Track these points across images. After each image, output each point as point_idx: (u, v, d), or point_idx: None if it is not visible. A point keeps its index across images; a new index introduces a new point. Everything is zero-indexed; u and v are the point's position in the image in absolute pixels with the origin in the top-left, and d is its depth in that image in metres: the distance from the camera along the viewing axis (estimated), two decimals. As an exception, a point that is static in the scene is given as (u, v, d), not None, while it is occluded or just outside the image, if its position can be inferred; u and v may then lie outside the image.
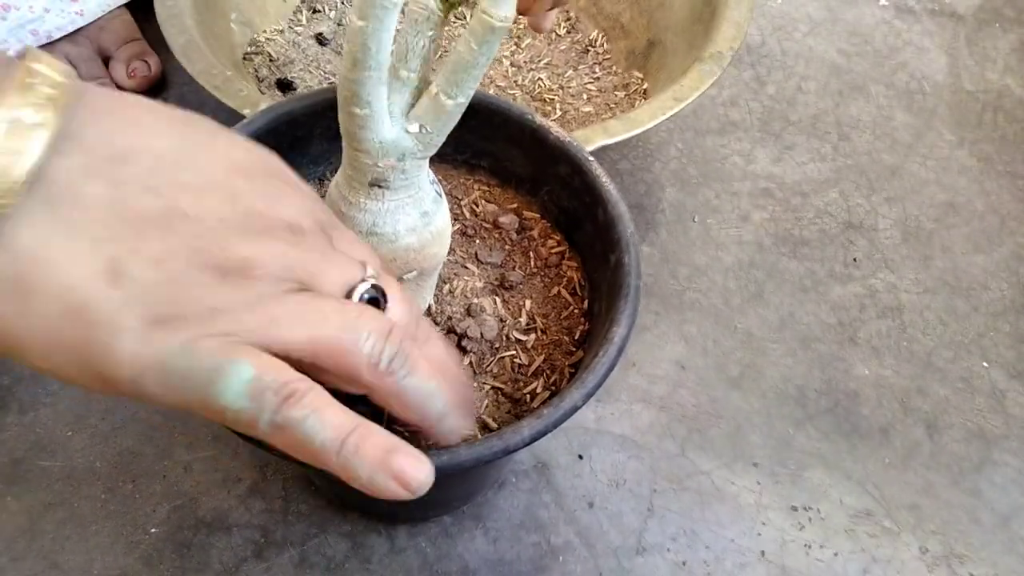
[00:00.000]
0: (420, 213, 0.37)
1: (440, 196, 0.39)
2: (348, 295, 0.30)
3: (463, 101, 0.33)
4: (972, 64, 0.89)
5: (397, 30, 0.32)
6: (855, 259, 0.71)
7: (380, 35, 0.30)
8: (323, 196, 0.50)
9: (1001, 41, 0.92)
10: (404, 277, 0.40)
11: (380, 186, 0.35)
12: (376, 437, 0.27)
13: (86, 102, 0.25)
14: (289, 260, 0.28)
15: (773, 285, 0.68)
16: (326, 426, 0.26)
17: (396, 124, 0.34)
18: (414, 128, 0.34)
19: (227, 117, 0.73)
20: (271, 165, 0.31)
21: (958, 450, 0.60)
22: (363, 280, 0.30)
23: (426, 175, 0.38)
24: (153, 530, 0.51)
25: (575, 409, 0.36)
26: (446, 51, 0.73)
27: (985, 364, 0.65)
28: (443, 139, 0.35)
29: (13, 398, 0.55)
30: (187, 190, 0.26)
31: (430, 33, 0.32)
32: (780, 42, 0.88)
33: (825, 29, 0.90)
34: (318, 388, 0.27)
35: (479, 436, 0.41)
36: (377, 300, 0.31)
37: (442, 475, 0.35)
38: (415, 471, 0.28)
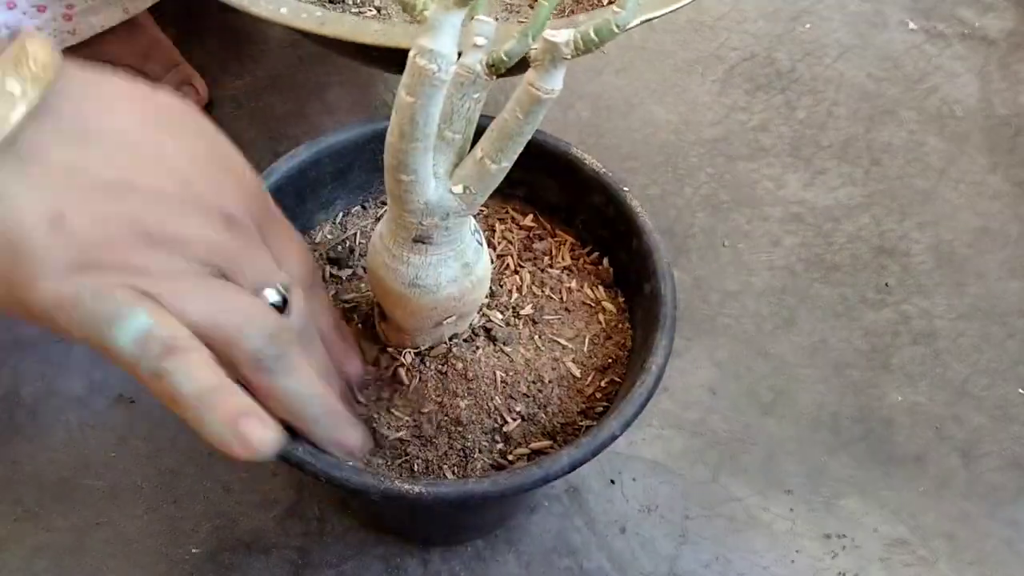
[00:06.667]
0: (462, 264, 0.38)
1: (481, 245, 0.40)
2: (258, 292, 0.33)
3: (506, 165, 0.34)
4: (1004, 88, 0.88)
5: None
6: (887, 284, 0.71)
7: (428, 110, 0.31)
8: (361, 228, 0.51)
9: (1034, 65, 0.91)
10: (444, 322, 0.40)
11: (424, 242, 0.36)
12: (234, 398, 0.30)
13: (68, 81, 0.29)
14: (215, 247, 0.31)
15: (805, 311, 0.68)
16: (192, 379, 0.29)
17: (440, 186, 0.35)
18: (458, 189, 0.35)
19: (265, 142, 0.75)
20: (227, 159, 0.34)
21: (994, 479, 0.60)
22: (272, 285, 0.34)
23: (468, 228, 0.38)
24: (194, 550, 0.52)
25: (613, 438, 0.37)
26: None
27: (1021, 391, 0.64)
28: (486, 198, 0.36)
29: (59, 419, 0.57)
30: (143, 169, 0.30)
31: (475, 96, 0.33)
32: (810, 67, 0.89)
33: (855, 54, 0.91)
34: (203, 350, 0.30)
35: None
36: (282, 304, 0.34)
37: (479, 500, 0.36)
38: (258, 435, 0.30)
